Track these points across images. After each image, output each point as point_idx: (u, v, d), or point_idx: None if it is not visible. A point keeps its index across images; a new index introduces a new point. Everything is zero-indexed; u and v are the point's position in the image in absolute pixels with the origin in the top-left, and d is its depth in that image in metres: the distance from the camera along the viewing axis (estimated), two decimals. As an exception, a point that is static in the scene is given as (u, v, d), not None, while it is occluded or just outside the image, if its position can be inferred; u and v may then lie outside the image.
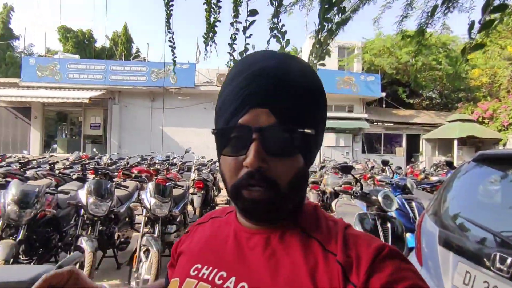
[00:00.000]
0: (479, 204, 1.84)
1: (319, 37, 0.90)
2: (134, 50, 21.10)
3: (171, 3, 2.25)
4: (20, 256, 2.84)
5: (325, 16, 0.84)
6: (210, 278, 0.49)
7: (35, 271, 1.40)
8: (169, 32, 2.26)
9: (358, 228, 2.39)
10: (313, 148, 0.52)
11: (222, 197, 7.48)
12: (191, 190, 4.33)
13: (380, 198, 2.46)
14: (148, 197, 2.93)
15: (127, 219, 3.88)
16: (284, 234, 0.50)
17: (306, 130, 0.46)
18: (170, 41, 2.25)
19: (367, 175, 6.01)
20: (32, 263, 2.91)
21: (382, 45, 15.50)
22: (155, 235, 2.91)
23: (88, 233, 3.00)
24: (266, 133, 0.45)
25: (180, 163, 6.08)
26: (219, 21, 2.17)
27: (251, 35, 1.09)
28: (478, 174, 1.91)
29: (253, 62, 0.50)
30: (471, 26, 0.81)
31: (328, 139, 14.31)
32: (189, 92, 13.39)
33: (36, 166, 6.33)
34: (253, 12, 1.13)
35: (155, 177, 5.64)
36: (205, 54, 2.29)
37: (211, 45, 2.23)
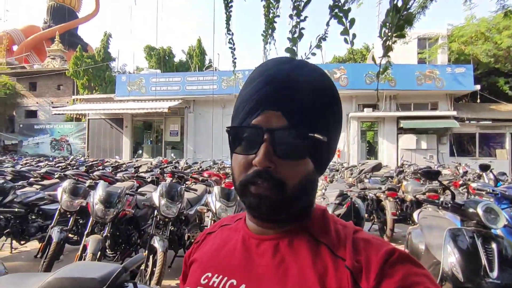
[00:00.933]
0: None
1: (395, 1, 0.69)
2: (207, 62, 22.64)
3: (230, 4, 2.23)
4: (107, 250, 3.19)
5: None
6: (220, 287, 0.49)
7: (105, 269, 1.47)
8: (228, 34, 2.24)
9: (450, 247, 1.96)
10: (324, 155, 0.51)
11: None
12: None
13: (480, 211, 1.97)
14: (214, 201, 2.97)
15: (197, 220, 4.04)
16: (293, 240, 0.49)
17: (317, 136, 0.47)
18: (229, 42, 2.23)
19: (459, 182, 5.12)
20: (115, 258, 3.23)
21: (475, 30, 13.30)
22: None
23: (161, 233, 3.18)
24: (277, 134, 0.46)
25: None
26: (278, 16, 2.05)
27: (306, 17, 0.93)
28: None
29: (268, 67, 0.51)
30: None
31: (407, 141, 12.84)
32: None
33: (124, 169, 7.24)
34: (309, -9, 0.98)
35: (224, 181, 5.84)
36: (264, 53, 2.20)
37: (270, 42, 2.13)
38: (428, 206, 3.52)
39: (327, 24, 0.96)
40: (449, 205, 2.13)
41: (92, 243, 2.77)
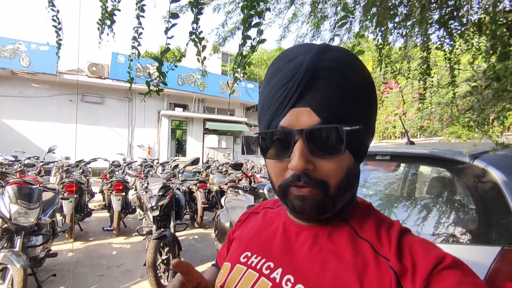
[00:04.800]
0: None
1: (241, 50, 1.07)
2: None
3: (55, -23, 1.96)
4: None
5: (246, 34, 1.02)
6: (258, 267, 0.50)
7: None
8: (52, 10, 1.95)
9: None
10: (363, 143, 0.48)
11: (94, 202, 6.62)
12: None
13: (265, 191, 2.86)
14: (7, 204, 2.37)
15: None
16: (333, 232, 0.48)
17: (353, 128, 0.43)
18: (54, 20, 1.95)
19: (249, 174, 6.63)
20: None
21: (260, 57, 17.29)
22: (16, 249, 2.38)
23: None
24: (310, 134, 0.42)
25: (40, 164, 5.02)
26: (119, 10, 2.05)
27: (172, 36, 1.14)
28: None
29: (289, 58, 0.46)
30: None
31: (211, 140, 14.77)
32: (49, 79, 11.14)
33: None
34: (175, 16, 1.18)
35: (3, 182, 4.48)
36: (99, 42, 2.09)
37: (108, 34, 2.07)
38: (229, 193, 4.44)
39: (187, 45, 1.22)
40: (248, 188, 2.93)
41: None
